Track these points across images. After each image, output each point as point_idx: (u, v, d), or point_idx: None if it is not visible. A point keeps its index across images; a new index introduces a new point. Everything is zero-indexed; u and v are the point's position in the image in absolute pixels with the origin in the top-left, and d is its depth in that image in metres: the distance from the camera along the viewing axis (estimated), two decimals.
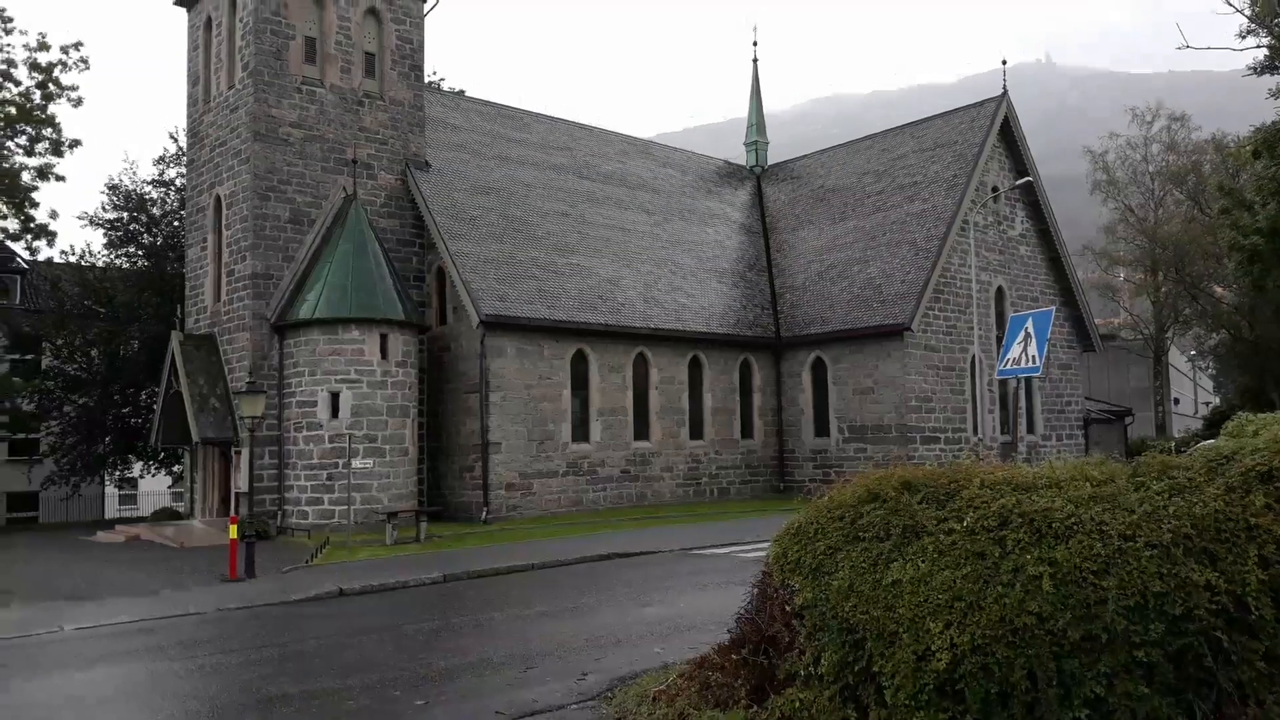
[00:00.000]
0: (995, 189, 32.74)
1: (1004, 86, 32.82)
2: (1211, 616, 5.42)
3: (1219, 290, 47.15)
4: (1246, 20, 28.77)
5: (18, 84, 31.88)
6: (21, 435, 36.51)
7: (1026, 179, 32.47)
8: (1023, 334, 14.70)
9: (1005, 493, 6.26)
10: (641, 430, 29.50)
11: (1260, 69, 30.12)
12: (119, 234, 34.11)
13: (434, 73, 37.81)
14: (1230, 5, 28.81)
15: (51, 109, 32.31)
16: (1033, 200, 34.20)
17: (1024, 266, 33.95)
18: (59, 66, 32.16)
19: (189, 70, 29.14)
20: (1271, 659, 5.46)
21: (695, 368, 31.09)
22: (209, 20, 28.21)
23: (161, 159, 35.24)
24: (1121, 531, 5.69)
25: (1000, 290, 32.92)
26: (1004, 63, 34.14)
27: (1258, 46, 29.80)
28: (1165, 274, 48.66)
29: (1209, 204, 43.49)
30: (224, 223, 26.80)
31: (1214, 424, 39.98)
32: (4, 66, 31.65)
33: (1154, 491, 6.03)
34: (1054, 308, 26.77)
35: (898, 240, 31.67)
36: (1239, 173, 41.41)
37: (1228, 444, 6.69)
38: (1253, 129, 33.32)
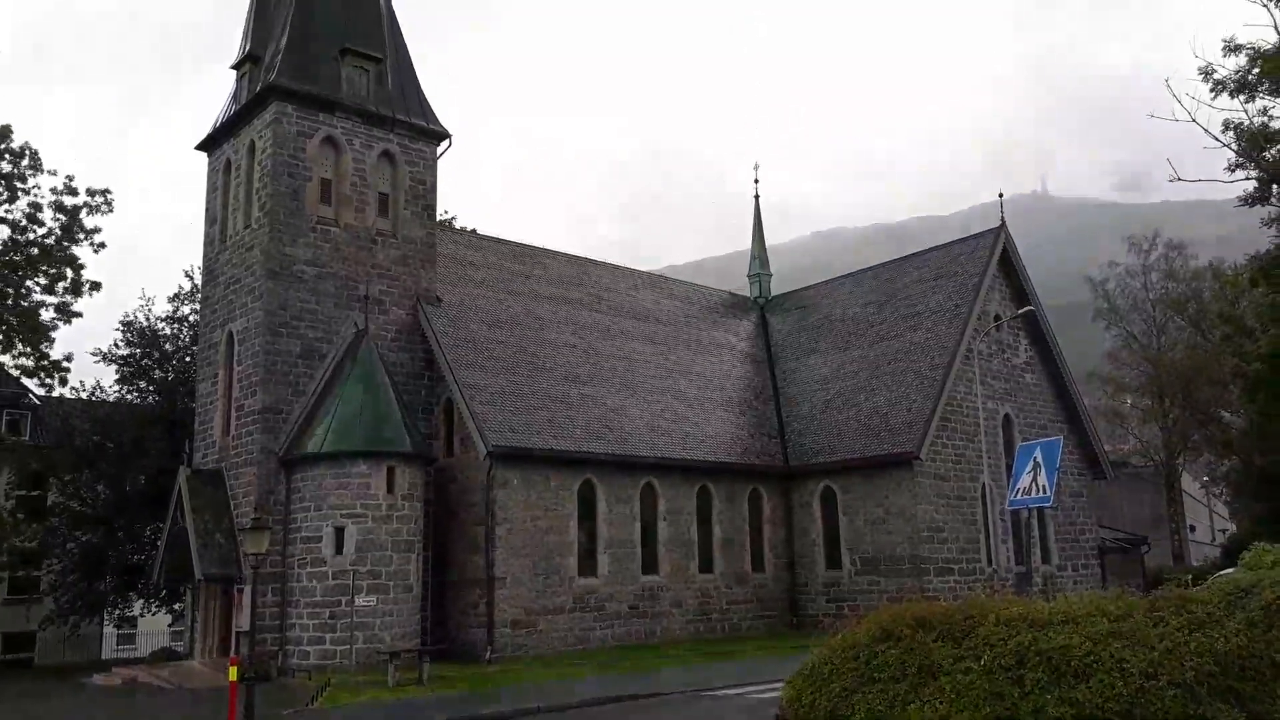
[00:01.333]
0: (997, 317, 33.08)
1: (1001, 218, 33.53)
2: None
3: (1226, 416, 47.03)
4: (1234, 155, 29.56)
5: (42, 225, 32.83)
6: (22, 573, 36.09)
7: (1028, 308, 32.83)
8: (1031, 463, 14.65)
9: (1021, 629, 6.14)
10: (650, 563, 29.05)
11: (1251, 200, 30.80)
12: (131, 369, 34.50)
13: (445, 211, 38.87)
14: (1218, 140, 29.68)
15: (74, 249, 33.17)
16: (1035, 328, 34.50)
17: (1030, 394, 34.00)
18: (84, 209, 33.17)
19: (207, 210, 30.00)
20: None
21: (704, 498, 30.82)
22: (228, 163, 29.20)
23: (177, 296, 35.96)
24: (1143, 669, 5.56)
25: (1008, 418, 32.87)
26: (1000, 195, 35.00)
27: (1247, 178, 30.55)
28: (1172, 400, 48.65)
29: (1211, 330, 43.87)
30: (235, 358, 27.11)
31: (1231, 553, 39.26)
32: (30, 210, 32.66)
33: (1173, 627, 5.92)
34: (1061, 436, 26.68)
35: (903, 369, 31.83)
36: (1238, 300, 41.91)
37: (1246, 576, 6.59)
38: (1249, 257, 33.91)
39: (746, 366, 36.93)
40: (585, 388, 30.00)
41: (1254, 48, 29.41)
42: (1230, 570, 6.85)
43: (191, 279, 35.30)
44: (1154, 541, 45.39)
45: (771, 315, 40.58)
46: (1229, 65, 29.71)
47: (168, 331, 35.27)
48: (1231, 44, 29.78)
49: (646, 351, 33.86)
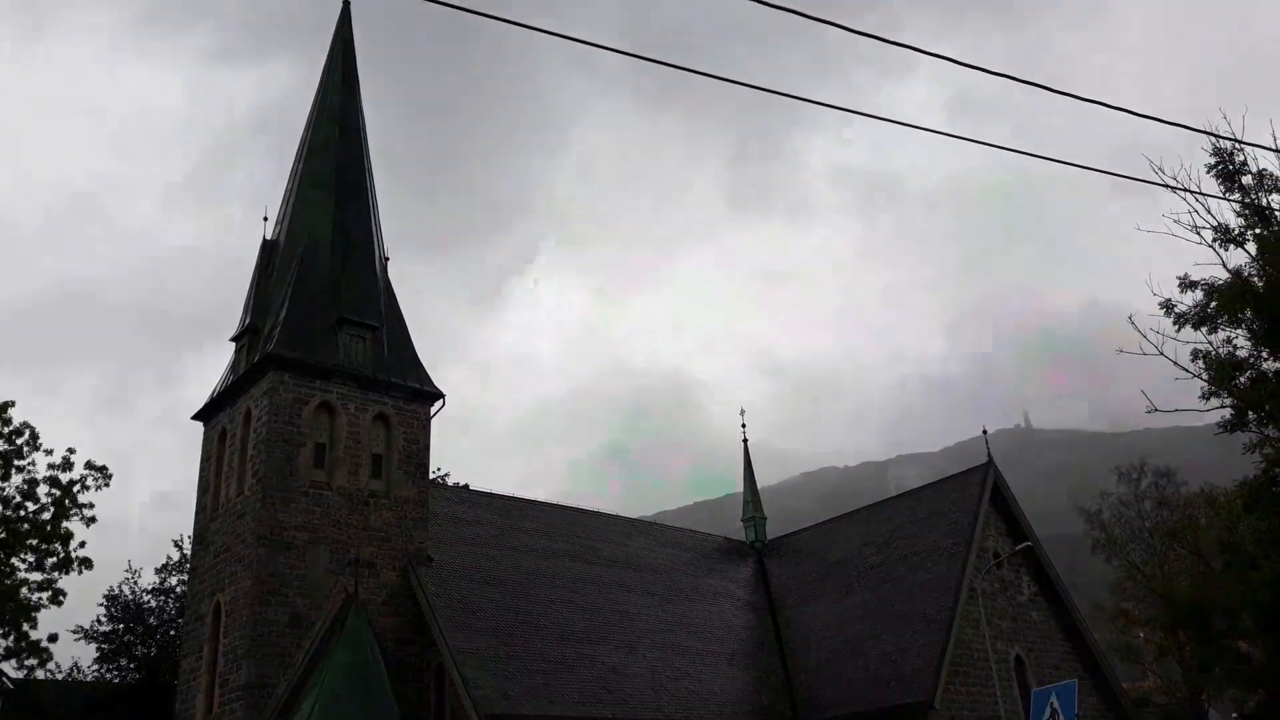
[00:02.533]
0: (997, 554, 32.74)
1: (988, 454, 33.89)
2: None
3: (1244, 647, 45.65)
4: (1205, 384, 30.41)
5: (36, 501, 32.73)
6: None
7: (1026, 544, 32.59)
8: (1048, 710, 14.15)
9: None
10: None
11: (1229, 427, 31.36)
12: (112, 646, 33.43)
13: (438, 469, 39.08)
14: (1187, 372, 30.62)
15: (66, 524, 32.93)
16: (1036, 564, 34.07)
17: (1038, 632, 33.09)
18: (79, 485, 33.24)
19: (200, 479, 30.12)
20: None
21: None
22: (223, 432, 29.62)
23: (164, 567, 35.45)
24: None
25: (1019, 659, 31.81)
26: (985, 431, 35.57)
27: (1222, 405, 31.27)
28: (1185, 633, 47.32)
29: (1213, 559, 43.34)
30: (221, 630, 26.39)
31: None
32: (26, 486, 32.67)
33: None
34: (1076, 680, 25.75)
35: (907, 612, 31.11)
36: (1235, 525, 41.72)
37: None
38: (1237, 484, 34.09)
39: (748, 615, 36.01)
40: (581, 646, 29.08)
41: (1209, 283, 30.92)
42: None
43: (180, 549, 34.93)
44: None
45: (769, 560, 40.04)
46: (1187, 300, 31.14)
47: (153, 604, 34.49)
48: (1186, 280, 31.34)
49: (643, 603, 33.09)
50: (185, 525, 32.10)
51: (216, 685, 25.90)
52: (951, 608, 29.81)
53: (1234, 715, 56.53)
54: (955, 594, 30.12)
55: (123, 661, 33.39)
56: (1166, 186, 27.56)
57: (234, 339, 31.48)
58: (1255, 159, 31.64)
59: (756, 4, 9.35)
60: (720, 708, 30.04)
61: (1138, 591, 50.66)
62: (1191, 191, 30.84)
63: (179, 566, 34.62)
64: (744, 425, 44.75)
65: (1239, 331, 31.91)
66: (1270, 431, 32.24)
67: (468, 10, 9.34)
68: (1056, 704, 13.71)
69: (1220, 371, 31.30)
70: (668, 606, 33.78)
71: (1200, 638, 45.84)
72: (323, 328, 29.86)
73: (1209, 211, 32.98)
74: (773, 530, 42.75)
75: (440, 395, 31.16)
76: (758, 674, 32.72)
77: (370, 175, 34.18)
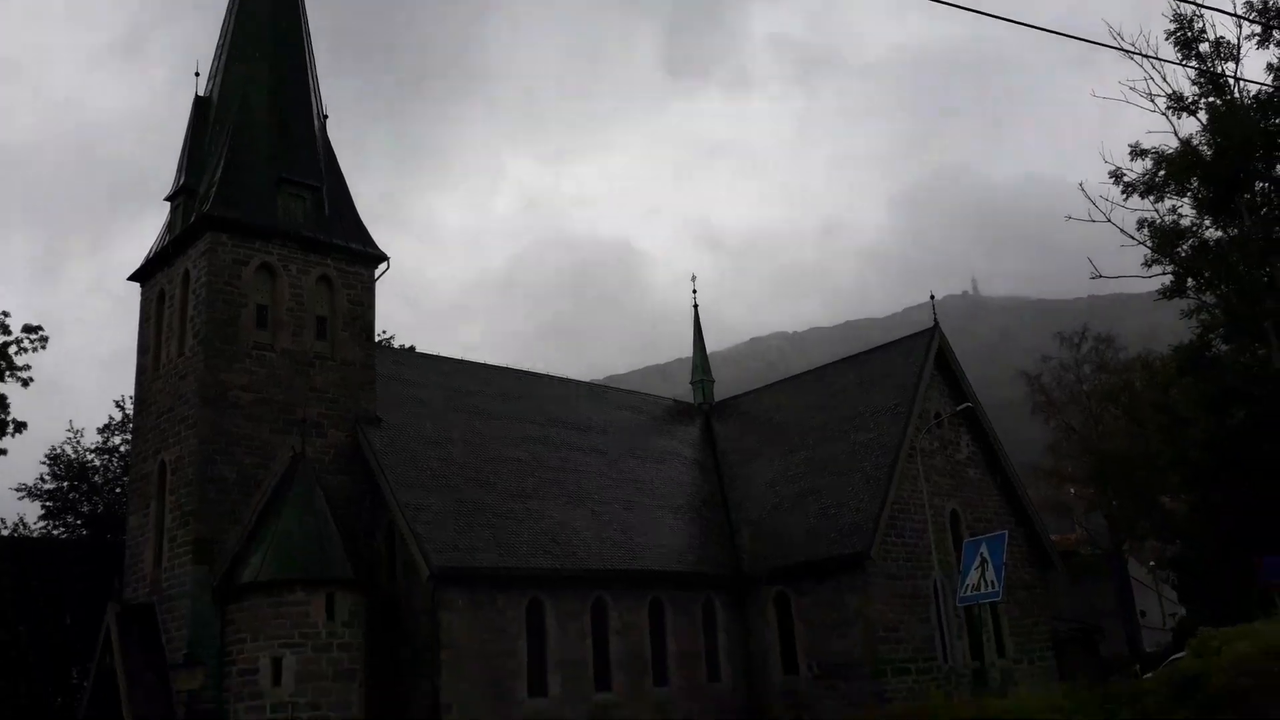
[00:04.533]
0: (938, 415, 33.52)
1: (934, 319, 34.33)
2: None
3: (1167, 502, 47.82)
4: (1150, 251, 30.85)
5: None
6: None
7: (966, 404, 33.38)
8: (979, 559, 14.69)
9: None
10: (603, 680, 28.22)
11: (1169, 293, 32.03)
12: (57, 504, 33.36)
13: (384, 331, 38.75)
14: (1133, 239, 30.99)
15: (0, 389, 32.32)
16: (975, 424, 34.99)
17: (975, 489, 34.27)
18: (14, 346, 32.45)
19: (140, 340, 29.56)
20: None
21: (656, 610, 30.22)
22: (162, 293, 28.95)
23: (107, 427, 35.10)
24: None
25: (954, 514, 33.01)
26: (933, 296, 35.92)
27: (1163, 273, 31.85)
28: (1114, 489, 49.40)
29: (1146, 421, 44.91)
30: (168, 488, 26.37)
31: (1181, 637, 39.38)
32: None
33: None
34: (1005, 532, 26.77)
35: (848, 469, 31.96)
36: (1169, 388, 43.08)
37: (1193, 664, 6.57)
38: (1173, 349, 35.07)
39: (694, 473, 36.81)
40: (531, 502, 29.60)
41: (1158, 152, 31.02)
42: (1180, 654, 6.83)
43: (123, 409, 34.56)
44: (1107, 629, 45.48)
45: (716, 421, 40.71)
46: (1136, 169, 31.28)
47: (97, 463, 34.31)
48: (1137, 149, 31.41)
49: (592, 462, 33.62)
50: (125, 388, 31.59)
51: (165, 541, 26.04)
52: (891, 465, 30.65)
53: (1150, 564, 59.71)
54: (896, 452, 30.93)
55: (69, 519, 33.41)
56: (1124, 51, 27.36)
57: (169, 199, 30.45)
58: (1214, 26, 31.28)
59: None
60: (665, 559, 30.97)
61: (1072, 451, 52.58)
62: (1149, 57, 30.59)
63: (121, 426, 34.33)
64: (695, 290, 44.80)
65: (1184, 200, 32.24)
66: (1207, 298, 33.02)
67: None
68: (986, 553, 14.21)
69: (1163, 239, 31.74)
70: (616, 465, 34.37)
71: (1128, 494, 47.91)
72: (261, 187, 28.95)
73: (1164, 79, 32.69)
74: (721, 394, 43.36)
75: (384, 258, 30.62)
76: (702, 528, 33.66)
77: (306, 29, 32.61)
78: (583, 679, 27.69)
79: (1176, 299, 32.56)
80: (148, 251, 30.14)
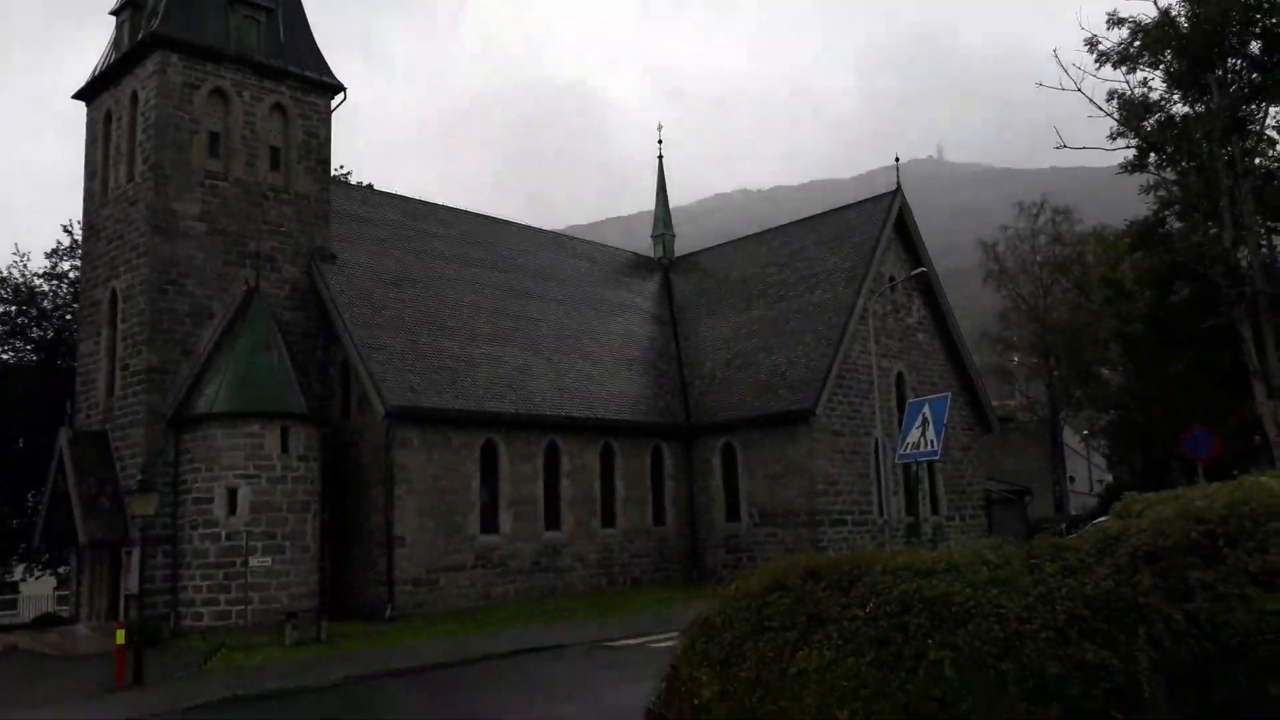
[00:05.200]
0: (892, 279, 33.88)
1: (898, 182, 34.25)
2: (1106, 696, 5.55)
3: (1107, 373, 49.29)
4: (1116, 124, 30.72)
5: None
6: None
7: (921, 269, 33.71)
8: (920, 419, 15.14)
9: (906, 578, 6.37)
10: (553, 520, 29.16)
11: (1130, 168, 32.09)
12: (6, 328, 32.83)
13: (341, 167, 37.75)
14: (1101, 110, 30.81)
15: None
16: (928, 290, 35.45)
17: (922, 353, 35.02)
18: None
19: (86, 163, 28.56)
20: None
21: (607, 455, 31.01)
22: (109, 114, 27.82)
23: (55, 251, 34.25)
24: (1018, 614, 5.82)
25: (900, 376, 33.82)
26: (898, 159, 35.69)
27: (1127, 147, 31.81)
28: (1057, 358, 50.73)
29: (1094, 293, 45.77)
30: (119, 316, 26.04)
31: (1107, 502, 41.33)
32: None
33: (1048, 573, 6.20)
34: (949, 393, 27.56)
35: (801, 329, 32.42)
36: (1119, 263, 43.77)
37: (1116, 524, 6.93)
38: (1128, 223, 35.41)
39: (651, 327, 37.10)
40: (488, 347, 29.75)
41: (1136, 21, 30.51)
42: (1104, 518, 7.19)
43: (71, 234, 33.68)
44: (1037, 492, 47.50)
45: (675, 276, 40.79)
46: (1112, 38, 30.82)
47: (46, 289, 33.64)
48: (1115, 17, 30.84)
49: (551, 312, 33.70)
50: (74, 211, 30.62)
51: (117, 370, 25.90)
52: (843, 326, 31.13)
53: (1084, 432, 61.98)
54: (848, 314, 31.36)
55: (17, 343, 32.93)
56: None
57: (114, 13, 28.90)
58: None
59: None
60: (619, 408, 31.54)
61: (1020, 320, 53.63)
62: None
63: (70, 252, 33.53)
64: (660, 141, 44.07)
65: (1156, 74, 31.93)
66: (1167, 174, 33.16)
67: None
68: (929, 414, 14.61)
69: (1130, 111, 31.57)
70: (574, 315, 34.49)
71: (1069, 363, 49.27)
72: (213, 6, 27.54)
73: None
74: (683, 249, 43.26)
75: (340, 88, 29.59)
76: (656, 380, 34.19)
77: None
78: (534, 518, 28.55)
79: (1137, 174, 32.67)
80: (93, 69, 28.79)
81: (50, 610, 33.20)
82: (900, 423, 25.44)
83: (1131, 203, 36.03)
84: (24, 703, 15.55)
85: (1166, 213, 33.82)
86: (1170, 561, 6.19)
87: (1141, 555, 6.26)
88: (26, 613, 37.83)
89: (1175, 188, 32.53)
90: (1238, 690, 5.66)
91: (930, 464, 32.54)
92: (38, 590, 39.06)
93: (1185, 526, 6.42)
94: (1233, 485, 7.27)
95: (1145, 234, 33.34)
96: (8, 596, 39.92)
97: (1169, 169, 32.68)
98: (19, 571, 35.10)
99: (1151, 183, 33.73)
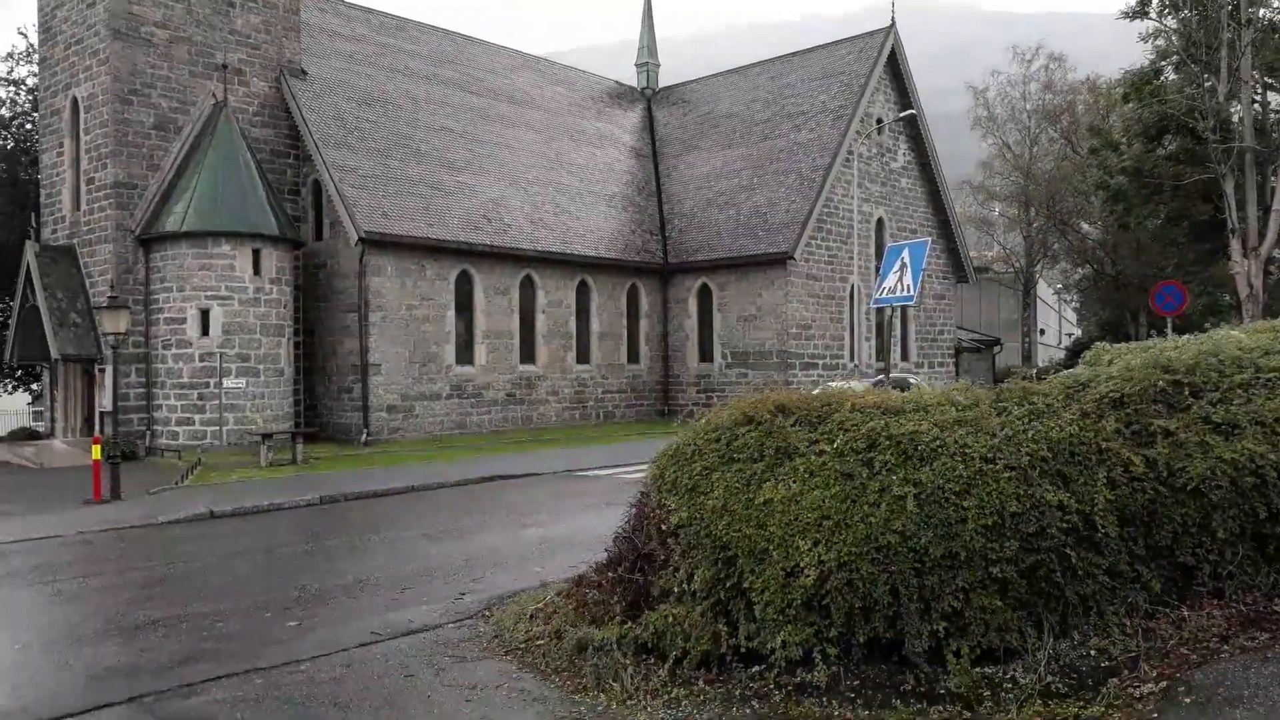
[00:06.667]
0: (880, 121, 33.21)
1: (892, 18, 33.08)
2: (1062, 534, 5.72)
3: (1085, 227, 49.29)
4: None
5: None
6: None
7: (910, 111, 33.01)
8: (899, 263, 15.06)
9: (875, 416, 6.45)
10: (528, 354, 29.35)
11: (1132, 14, 31.15)
12: None
13: None
14: None
15: None
16: (915, 134, 34.84)
17: (905, 199, 34.71)
18: None
19: None
20: (1114, 574, 5.82)
21: (583, 292, 30.97)
22: None
23: (10, 55, 32.71)
24: (983, 454, 5.93)
25: (881, 221, 33.63)
26: None
27: None
28: (1037, 210, 50.55)
29: (1080, 143, 45.19)
30: (82, 127, 25.15)
31: (1075, 354, 42.12)
32: None
33: (1015, 416, 6.30)
34: (929, 239, 27.55)
35: (784, 169, 31.92)
36: (1109, 114, 43.05)
37: (1085, 372, 7.02)
38: (1123, 72, 34.64)
39: (631, 161, 36.38)
40: (462, 175, 29.13)
41: None
42: (1072, 369, 7.27)
43: (25, 37, 32.12)
44: (1006, 343, 48.27)
45: (658, 108, 39.75)
46: None
47: (2, 95, 32.31)
48: None
49: (528, 139, 32.89)
50: (27, 14, 28.95)
51: (83, 183, 25.21)
52: (827, 168, 30.67)
53: (1058, 286, 62.51)
54: (833, 155, 30.85)
55: None
56: None
57: None
58: None
59: None
60: (595, 244, 31.28)
61: (1003, 169, 53.09)
62: None
63: (26, 56, 32.03)
64: None
65: None
66: (1168, 22, 32.24)
67: None
68: (908, 258, 14.53)
69: None
70: (552, 145, 33.70)
71: (1048, 215, 49.15)
72: None
73: None
74: (666, 81, 41.96)
75: None
76: (634, 217, 33.80)
77: None
78: (509, 351, 28.71)
79: (1138, 21, 31.74)
80: None
81: (25, 425, 33.46)
82: (878, 269, 25.45)
83: (1127, 55, 35.16)
84: (5, 513, 15.80)
85: (1163, 63, 33.08)
86: (1135, 408, 6.29)
87: (1108, 402, 6.35)
88: (1, 427, 38.18)
89: (1175, 36, 31.70)
90: (1184, 531, 5.87)
91: (903, 311, 32.83)
92: (12, 405, 39.28)
93: (1153, 375, 6.50)
94: (1203, 338, 7.34)
95: (1139, 84, 32.68)
96: None
97: (1170, 16, 31.77)
98: None
99: (1151, 30, 32.87)
